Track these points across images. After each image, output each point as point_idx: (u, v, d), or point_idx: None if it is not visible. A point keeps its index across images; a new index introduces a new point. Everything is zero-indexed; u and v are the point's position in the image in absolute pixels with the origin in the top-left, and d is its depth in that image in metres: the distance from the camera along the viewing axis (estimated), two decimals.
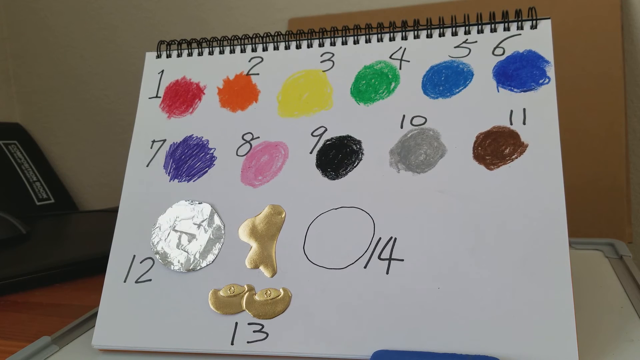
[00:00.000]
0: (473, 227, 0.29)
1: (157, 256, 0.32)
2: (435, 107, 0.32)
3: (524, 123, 0.30)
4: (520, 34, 0.32)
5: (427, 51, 0.33)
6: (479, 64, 0.32)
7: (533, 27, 0.32)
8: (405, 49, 0.34)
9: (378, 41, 0.35)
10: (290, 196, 0.32)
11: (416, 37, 0.34)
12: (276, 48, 0.36)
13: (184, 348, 0.30)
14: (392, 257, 0.29)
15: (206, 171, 0.34)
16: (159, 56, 0.38)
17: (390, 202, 0.30)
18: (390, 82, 0.33)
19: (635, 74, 0.57)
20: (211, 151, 0.35)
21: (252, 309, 0.30)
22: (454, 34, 0.33)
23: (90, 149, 0.82)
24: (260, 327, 0.29)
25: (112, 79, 0.79)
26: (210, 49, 0.38)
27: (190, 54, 0.38)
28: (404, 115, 0.32)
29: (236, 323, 0.30)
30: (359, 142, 0.32)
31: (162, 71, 0.38)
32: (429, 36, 0.34)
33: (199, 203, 0.33)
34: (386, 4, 0.64)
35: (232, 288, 0.31)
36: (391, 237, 0.30)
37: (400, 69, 0.33)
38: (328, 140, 0.33)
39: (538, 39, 0.32)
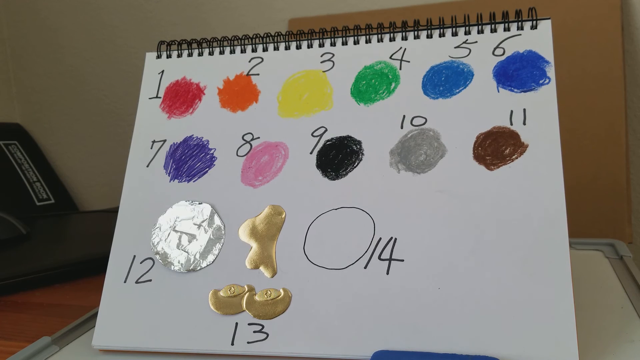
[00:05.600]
0: (473, 228, 0.29)
1: (158, 256, 0.32)
2: (435, 107, 0.32)
3: (524, 123, 0.30)
4: (520, 34, 0.32)
5: (427, 51, 0.33)
6: (479, 64, 0.32)
7: (533, 27, 0.32)
8: (405, 49, 0.34)
9: (378, 41, 0.35)
10: (290, 196, 0.32)
11: (416, 37, 0.34)
12: (276, 48, 0.36)
13: (184, 348, 0.30)
14: (393, 258, 0.29)
15: (206, 171, 0.34)
16: (159, 56, 0.38)
17: (390, 203, 0.30)
18: (391, 83, 0.33)
19: (635, 74, 0.57)
20: (211, 151, 0.35)
21: (252, 309, 0.30)
22: (454, 34, 0.33)
23: (90, 149, 0.82)
24: (261, 327, 0.29)
25: (112, 79, 0.79)
26: (211, 49, 0.38)
27: (190, 55, 0.38)
28: (404, 116, 0.32)
29: (236, 323, 0.30)
30: (359, 143, 0.32)
31: (162, 71, 0.38)
32: (429, 36, 0.34)
33: (199, 203, 0.33)
34: (386, 5, 0.64)
35: (232, 288, 0.31)
36: (391, 238, 0.30)
37: (400, 69, 0.33)
38: (328, 141, 0.33)
39: (538, 39, 0.32)
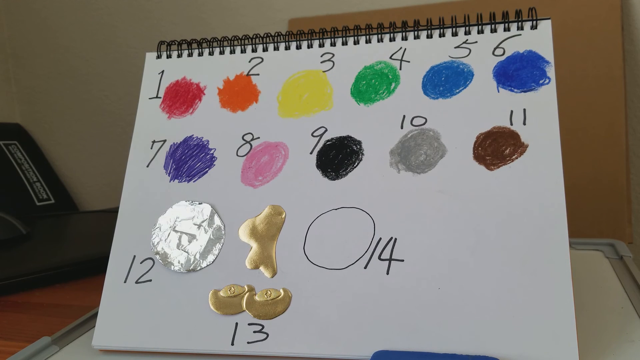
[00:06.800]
0: (473, 228, 0.29)
1: (158, 256, 0.32)
2: (435, 107, 0.32)
3: (524, 123, 0.30)
4: (520, 35, 0.32)
5: (427, 51, 0.33)
6: (479, 64, 0.32)
7: (533, 27, 0.32)
8: (405, 49, 0.34)
9: (378, 41, 0.35)
10: (290, 196, 0.32)
11: (416, 37, 0.34)
12: (276, 48, 0.36)
13: (184, 348, 0.30)
14: (393, 258, 0.29)
15: (206, 171, 0.34)
16: (159, 56, 0.38)
17: (390, 203, 0.30)
18: (391, 83, 0.33)
19: (635, 74, 0.57)
20: (211, 151, 0.35)
21: (252, 309, 0.30)
22: (454, 34, 0.33)
23: (91, 149, 0.82)
24: (261, 327, 0.29)
25: (112, 79, 0.79)
26: (211, 49, 0.38)
27: (190, 55, 0.38)
28: (404, 116, 0.32)
29: (236, 323, 0.30)
30: (359, 143, 0.32)
31: (163, 71, 0.38)
32: (429, 36, 0.34)
33: (199, 203, 0.33)
34: (386, 5, 0.64)
35: (232, 288, 0.31)
36: (391, 238, 0.30)
37: (400, 69, 0.33)
38: (328, 141, 0.33)
39: (538, 39, 0.32)
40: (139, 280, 0.32)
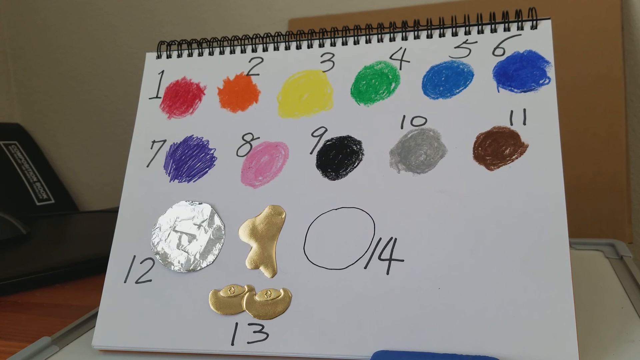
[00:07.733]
0: (473, 228, 0.29)
1: (158, 257, 0.32)
2: (435, 107, 0.32)
3: (524, 123, 0.30)
4: (520, 35, 0.32)
5: (427, 51, 0.33)
6: (479, 65, 0.32)
7: (533, 27, 0.32)
8: (405, 49, 0.34)
9: (378, 41, 0.35)
10: (290, 197, 0.32)
11: (416, 37, 0.34)
12: (276, 48, 0.36)
13: (184, 348, 0.30)
14: (393, 258, 0.29)
15: (206, 171, 0.34)
16: (159, 56, 0.38)
17: (390, 203, 0.30)
18: (391, 83, 0.33)
19: (635, 74, 0.57)
20: (211, 151, 0.35)
21: (252, 309, 0.30)
22: (454, 34, 0.33)
23: (91, 149, 0.82)
24: (261, 327, 0.29)
25: (112, 79, 0.79)
26: (211, 49, 0.38)
27: (190, 55, 0.38)
28: (404, 116, 0.32)
29: (236, 323, 0.30)
30: (359, 143, 0.32)
31: (163, 71, 0.38)
32: (429, 36, 0.34)
33: (199, 203, 0.33)
34: (386, 5, 0.64)
35: (233, 288, 0.31)
36: (391, 238, 0.30)
37: (400, 69, 0.33)
38: (328, 141, 0.33)
39: (538, 39, 0.32)
40: (139, 281, 0.32)
